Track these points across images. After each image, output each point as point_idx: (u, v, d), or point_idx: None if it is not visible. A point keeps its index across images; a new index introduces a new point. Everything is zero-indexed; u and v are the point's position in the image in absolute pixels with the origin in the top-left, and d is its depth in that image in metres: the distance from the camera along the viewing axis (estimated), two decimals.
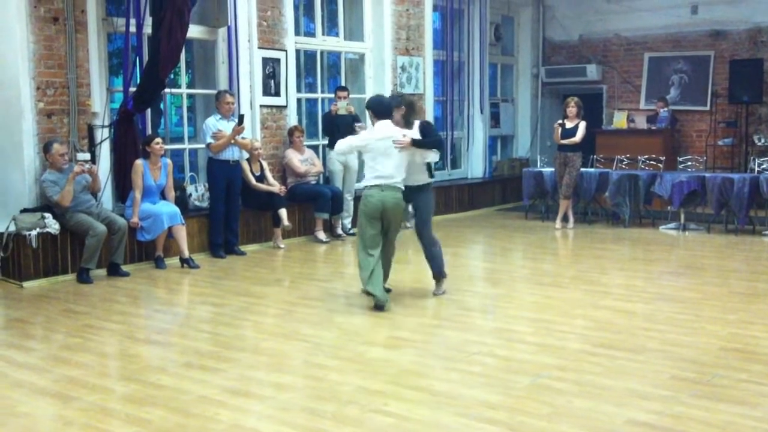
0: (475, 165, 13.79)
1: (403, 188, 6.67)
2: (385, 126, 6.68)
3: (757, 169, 10.89)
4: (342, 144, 6.90)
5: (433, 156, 6.82)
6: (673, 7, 13.50)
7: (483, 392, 4.55)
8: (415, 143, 6.62)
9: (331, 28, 11.47)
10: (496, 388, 4.62)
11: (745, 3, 13.02)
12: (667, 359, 5.14)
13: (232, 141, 8.90)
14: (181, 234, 8.37)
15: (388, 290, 6.86)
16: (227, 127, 8.92)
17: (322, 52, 11.26)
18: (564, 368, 4.96)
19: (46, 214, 7.62)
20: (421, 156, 6.73)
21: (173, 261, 8.50)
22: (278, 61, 10.16)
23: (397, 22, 11.84)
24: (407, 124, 6.85)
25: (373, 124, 6.80)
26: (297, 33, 10.67)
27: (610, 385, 4.66)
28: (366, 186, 6.64)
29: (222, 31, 9.61)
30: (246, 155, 9.36)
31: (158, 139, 8.38)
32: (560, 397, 4.44)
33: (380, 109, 6.80)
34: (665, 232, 10.63)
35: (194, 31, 9.22)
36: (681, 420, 4.09)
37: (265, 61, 10.01)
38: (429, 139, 6.79)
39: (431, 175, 6.96)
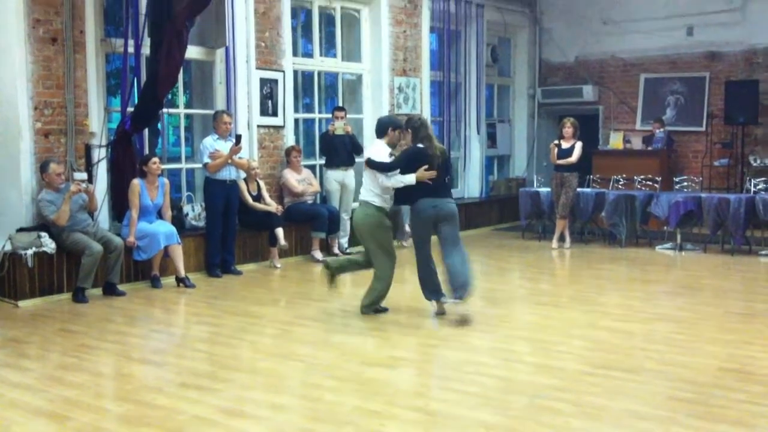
0: (471, 185, 13.81)
1: (373, 204, 6.87)
2: (372, 145, 7.05)
3: (753, 189, 10.91)
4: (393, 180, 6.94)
5: (388, 183, 6.83)
6: (669, 29, 13.58)
7: (481, 412, 4.53)
8: (368, 163, 6.88)
9: (328, 49, 11.53)
10: (494, 408, 4.60)
11: (740, 25, 13.11)
12: (664, 379, 5.12)
13: (229, 161, 8.91)
14: (178, 253, 8.36)
15: (384, 309, 6.97)
16: (224, 147, 8.93)
17: (319, 73, 11.31)
18: (562, 389, 4.94)
19: (43, 234, 7.62)
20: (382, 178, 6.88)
21: (169, 280, 8.47)
22: (276, 81, 10.20)
23: (394, 44, 11.90)
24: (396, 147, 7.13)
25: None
26: (295, 54, 10.72)
27: (607, 405, 4.64)
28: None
29: (220, 52, 9.65)
30: (243, 175, 9.37)
31: (155, 159, 8.39)
32: (558, 418, 4.42)
33: (376, 128, 7.21)
34: (662, 252, 10.63)
35: (192, 52, 9.26)
36: None
37: (263, 81, 10.05)
38: (380, 162, 6.85)
39: (395, 200, 7.09)
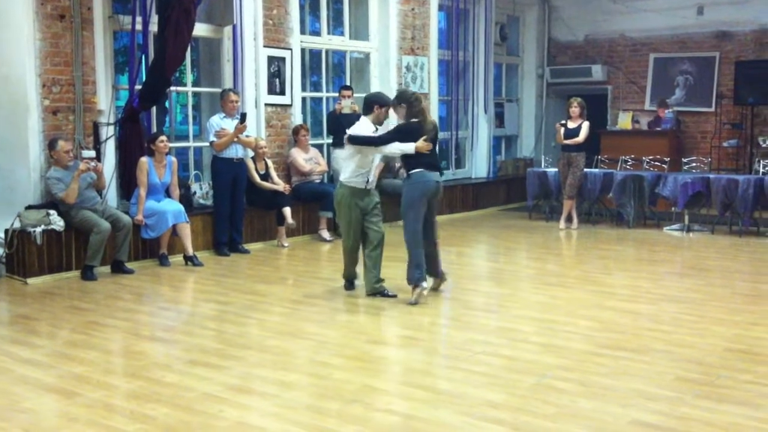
0: (479, 165, 13.79)
1: (346, 184, 6.87)
2: (359, 124, 6.97)
3: (761, 170, 10.86)
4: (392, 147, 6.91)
5: (386, 151, 6.85)
6: (679, 8, 13.47)
7: (487, 392, 4.55)
8: (349, 139, 6.81)
9: (336, 27, 11.48)
10: (501, 387, 4.62)
11: (750, 4, 12.99)
12: (671, 360, 5.13)
13: (235, 139, 8.90)
14: (186, 232, 8.38)
15: (393, 295, 6.84)
16: (231, 125, 8.92)
17: (327, 51, 11.27)
18: (568, 368, 4.96)
19: (51, 211, 7.64)
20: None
21: (177, 259, 8.50)
22: (283, 59, 10.17)
23: (402, 22, 11.84)
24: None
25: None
26: (302, 32, 10.67)
27: (614, 385, 4.66)
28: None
29: (228, 30, 9.61)
30: (251, 153, 9.37)
31: (163, 137, 8.39)
32: (565, 397, 4.44)
33: (363, 105, 7.12)
34: (669, 233, 10.62)
35: (200, 30, 9.23)
36: (685, 421, 4.09)
37: (271, 59, 10.02)
38: (363, 136, 6.80)
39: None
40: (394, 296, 6.83)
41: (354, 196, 6.84)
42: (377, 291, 6.85)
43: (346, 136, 6.85)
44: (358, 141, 6.75)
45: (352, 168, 6.82)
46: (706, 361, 5.09)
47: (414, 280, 6.68)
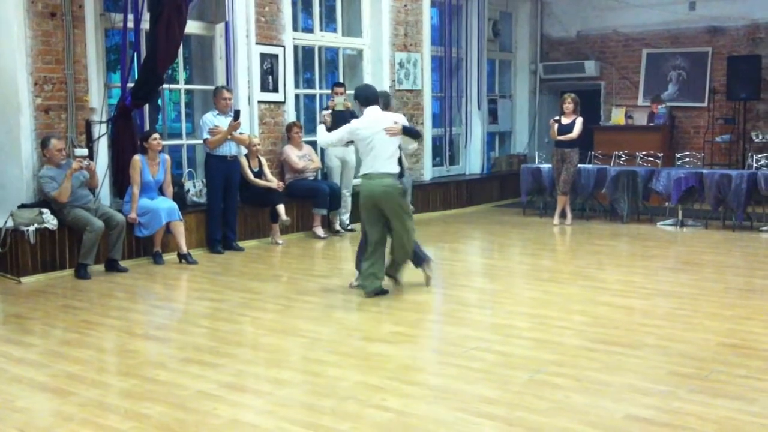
0: (473, 161, 13.79)
1: (395, 173, 6.70)
2: (374, 112, 6.76)
3: (754, 165, 10.90)
4: (330, 136, 6.95)
5: (414, 146, 6.95)
6: (671, 3, 13.50)
7: (481, 387, 4.55)
8: (405, 131, 6.67)
9: (329, 23, 11.46)
10: (495, 383, 4.63)
11: None
12: (665, 355, 5.15)
13: (229, 137, 8.89)
14: (179, 230, 8.37)
15: (384, 291, 6.84)
16: (224, 123, 8.90)
17: (320, 48, 11.25)
18: (562, 363, 4.96)
19: (44, 210, 7.62)
20: (404, 145, 6.83)
21: (171, 257, 8.49)
22: (276, 56, 10.15)
23: (395, 18, 11.83)
24: None
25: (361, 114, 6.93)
26: (295, 29, 10.65)
27: (608, 380, 4.66)
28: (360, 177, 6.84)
29: (220, 27, 9.60)
30: (244, 151, 9.36)
31: (156, 135, 8.38)
32: (558, 393, 4.44)
33: (367, 95, 6.89)
34: (663, 228, 10.64)
35: (192, 27, 9.21)
36: (679, 415, 4.10)
37: (263, 56, 10.00)
38: (415, 128, 6.91)
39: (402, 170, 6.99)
40: (385, 292, 6.88)
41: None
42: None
43: (400, 126, 6.64)
44: (413, 132, 6.80)
45: (397, 157, 6.80)
46: (700, 356, 5.10)
47: (418, 265, 7.04)
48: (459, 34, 13.34)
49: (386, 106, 7.02)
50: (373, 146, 6.66)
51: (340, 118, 10.07)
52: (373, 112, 6.77)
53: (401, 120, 6.82)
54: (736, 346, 5.31)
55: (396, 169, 6.73)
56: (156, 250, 8.39)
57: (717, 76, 13.31)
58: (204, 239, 9.04)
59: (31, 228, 7.49)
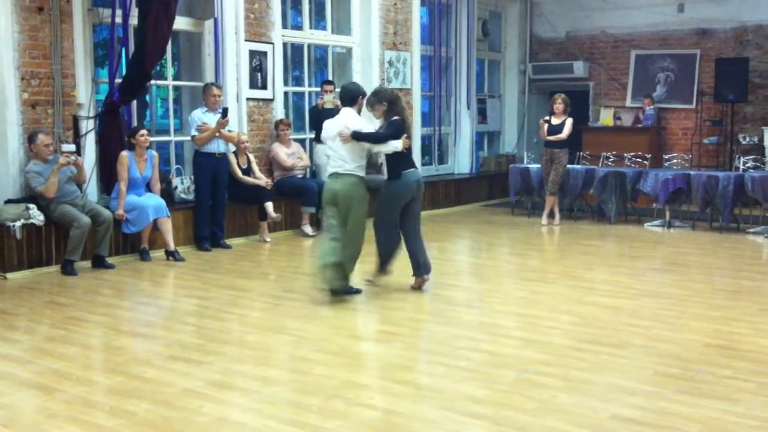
0: (461, 161, 13.80)
1: (360, 175, 6.65)
2: (344, 115, 6.78)
3: (741, 167, 10.95)
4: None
5: (385, 149, 6.68)
6: (660, 5, 13.54)
7: (469, 386, 4.55)
8: (354, 136, 6.57)
9: (318, 21, 11.44)
10: (482, 382, 4.63)
11: (731, 2, 13.08)
12: (651, 355, 5.16)
13: (217, 134, 8.86)
14: (167, 227, 8.33)
15: (358, 290, 6.81)
16: (213, 120, 8.87)
17: (309, 46, 11.23)
18: (549, 363, 4.97)
19: (31, 205, 7.57)
20: (375, 149, 6.74)
21: (158, 254, 8.45)
22: (265, 54, 10.12)
23: (384, 17, 11.82)
24: (386, 121, 6.86)
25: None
26: (284, 26, 10.62)
27: (594, 380, 4.68)
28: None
29: (209, 23, 9.56)
30: (233, 148, 9.32)
31: (143, 131, 8.33)
32: (545, 392, 4.45)
33: (343, 96, 6.97)
34: (650, 229, 10.68)
35: (181, 23, 9.17)
36: (665, 415, 4.11)
37: (252, 53, 9.97)
38: (368, 133, 6.68)
39: (388, 174, 6.88)
40: (359, 291, 6.83)
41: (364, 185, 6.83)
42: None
43: (349, 132, 6.58)
44: (362, 138, 6.63)
45: (362, 159, 6.72)
46: (686, 356, 5.12)
47: (386, 271, 6.99)
48: (448, 34, 13.36)
49: (392, 110, 6.85)
50: (334, 148, 6.70)
51: (329, 116, 10.11)
52: (344, 114, 6.81)
53: (359, 125, 6.69)
54: (722, 347, 5.34)
55: (361, 172, 6.67)
56: (143, 247, 8.36)
57: (705, 78, 13.36)
58: (192, 236, 9.01)
59: (18, 224, 7.44)
